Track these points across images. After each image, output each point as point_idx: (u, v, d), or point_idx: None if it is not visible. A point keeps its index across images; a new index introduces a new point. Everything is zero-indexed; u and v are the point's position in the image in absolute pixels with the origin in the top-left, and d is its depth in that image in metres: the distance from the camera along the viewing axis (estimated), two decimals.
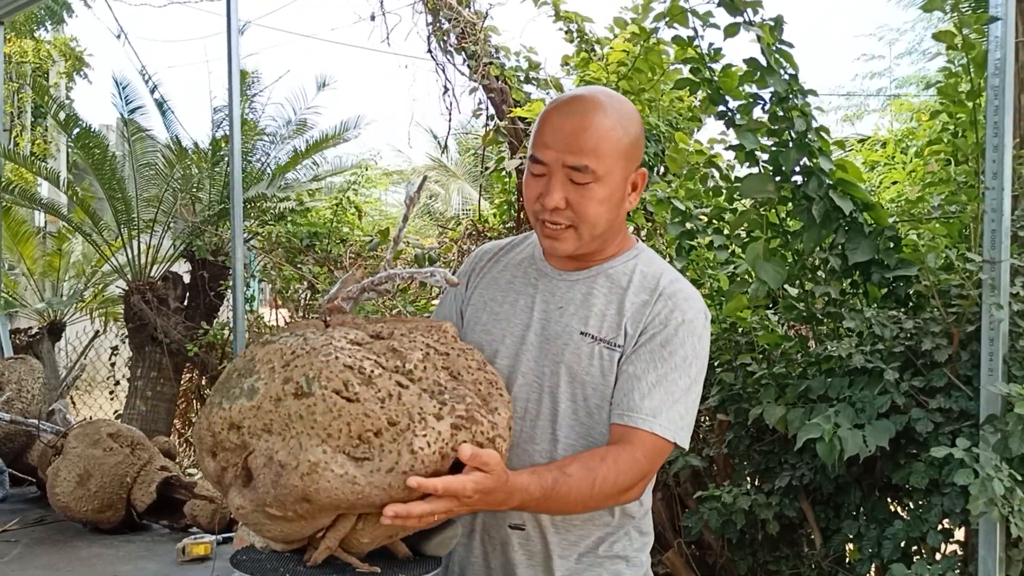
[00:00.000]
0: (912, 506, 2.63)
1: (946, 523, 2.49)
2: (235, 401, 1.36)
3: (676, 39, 2.85)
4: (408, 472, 1.26)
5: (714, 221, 3.23)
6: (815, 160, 2.65)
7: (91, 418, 4.37)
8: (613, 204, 1.56)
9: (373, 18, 5.57)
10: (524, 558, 1.61)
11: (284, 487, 1.29)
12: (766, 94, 2.72)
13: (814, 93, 2.68)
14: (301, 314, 5.75)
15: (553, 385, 1.58)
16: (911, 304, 2.71)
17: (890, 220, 2.73)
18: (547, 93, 5.04)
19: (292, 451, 1.30)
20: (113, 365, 7.27)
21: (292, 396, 1.31)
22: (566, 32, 4.50)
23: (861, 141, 6.14)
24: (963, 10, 2.53)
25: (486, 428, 1.33)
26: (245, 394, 1.36)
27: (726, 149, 3.15)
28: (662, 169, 4.14)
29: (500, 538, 1.62)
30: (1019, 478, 2.24)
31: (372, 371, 1.32)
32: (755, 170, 2.80)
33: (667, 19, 2.81)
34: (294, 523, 1.34)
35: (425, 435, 1.28)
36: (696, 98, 4.01)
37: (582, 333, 1.58)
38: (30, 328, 6.89)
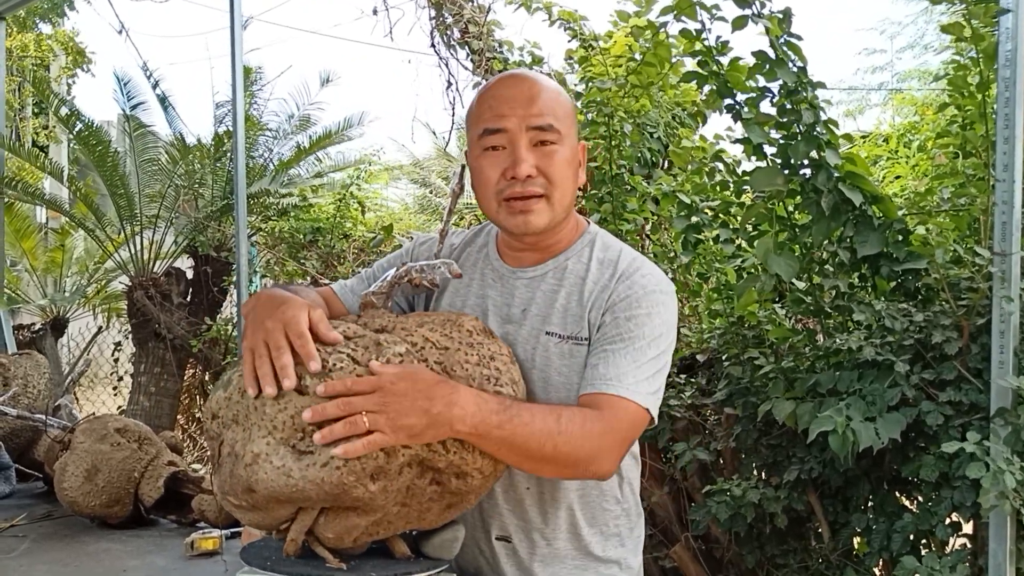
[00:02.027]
0: (921, 499, 2.62)
1: (954, 516, 2.49)
2: (216, 392, 1.40)
3: (684, 32, 2.83)
4: (342, 468, 1.25)
5: (720, 215, 3.22)
6: (823, 153, 2.64)
7: (95, 414, 4.36)
8: (573, 170, 1.53)
9: (376, 13, 5.57)
10: (513, 569, 1.59)
11: (235, 476, 1.31)
12: (774, 87, 2.71)
13: (823, 86, 2.67)
14: None
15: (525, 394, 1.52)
16: (920, 297, 2.70)
17: (899, 213, 2.73)
18: None
19: (243, 442, 1.32)
20: (116, 361, 7.27)
21: None
22: (567, 30, 4.49)
23: (864, 137, 6.13)
24: (972, 1, 2.51)
25: None
26: (223, 385, 1.39)
27: (733, 143, 3.15)
28: (666, 164, 4.14)
29: (490, 551, 1.60)
30: None
31: (334, 365, 1.31)
32: (762, 164, 2.80)
33: (675, 12, 2.80)
34: (252, 512, 1.36)
35: None
36: (701, 93, 4.00)
37: (547, 333, 1.53)
38: (33, 324, 6.88)
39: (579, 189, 1.62)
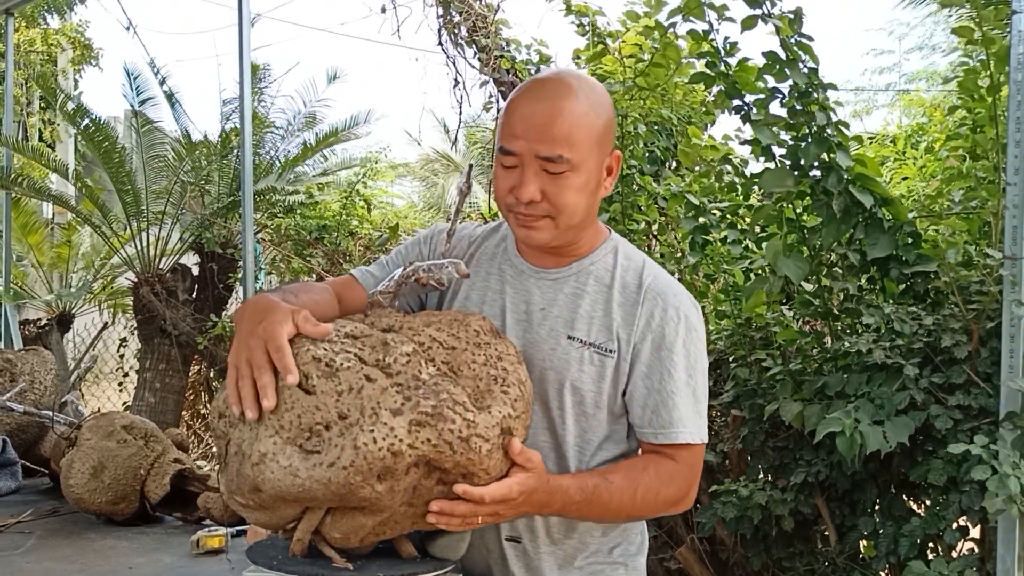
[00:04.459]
0: (929, 503, 2.62)
1: (962, 520, 2.48)
2: (223, 391, 1.39)
3: (692, 33, 2.83)
4: (349, 467, 1.24)
5: (728, 216, 3.21)
6: (834, 155, 2.63)
7: (100, 410, 4.36)
8: (589, 192, 1.49)
9: (384, 11, 5.57)
10: (522, 570, 1.58)
11: (241, 476, 1.31)
12: (784, 88, 2.70)
13: (833, 87, 2.66)
14: None
15: (541, 393, 1.52)
16: (929, 300, 2.69)
17: (909, 216, 2.72)
18: None
19: (250, 441, 1.31)
20: (122, 357, 7.29)
21: None
22: (578, 26, 4.48)
23: (871, 138, 6.12)
24: (980, 4, 2.50)
25: (458, 426, 1.29)
26: None
27: (741, 144, 3.14)
28: (674, 163, 4.13)
29: (498, 551, 1.59)
30: None
31: (342, 364, 1.30)
32: (771, 165, 2.79)
33: (683, 13, 2.79)
34: (259, 512, 1.35)
35: (373, 431, 1.25)
36: (710, 93, 3.99)
37: (569, 337, 1.52)
38: (39, 319, 6.89)
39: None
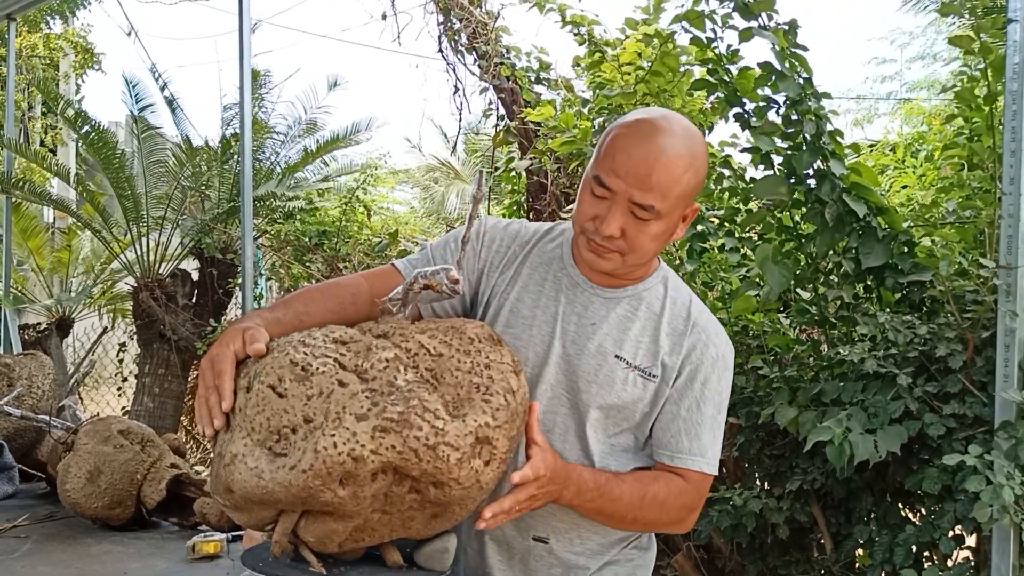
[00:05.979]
0: (924, 512, 2.62)
1: (958, 529, 2.48)
2: None
3: (694, 40, 2.84)
4: (308, 471, 1.24)
5: (726, 224, 3.22)
6: (828, 163, 2.64)
7: (99, 415, 4.37)
8: (664, 239, 1.53)
9: (384, 17, 5.59)
10: (544, 569, 1.60)
11: (218, 477, 1.33)
12: (780, 97, 2.71)
13: (828, 96, 2.67)
14: None
15: (579, 401, 1.56)
16: (925, 309, 2.69)
17: (904, 224, 2.72)
18: (557, 94, 5.04)
19: (226, 442, 1.33)
20: (121, 362, 7.30)
21: (244, 390, 1.34)
22: (576, 35, 4.49)
23: (871, 146, 6.12)
24: (979, 15, 2.51)
25: (425, 433, 1.27)
26: None
27: (740, 151, 3.14)
28: None
29: (521, 550, 1.61)
30: None
31: (317, 368, 1.31)
32: (769, 172, 2.79)
33: (683, 19, 2.80)
34: (236, 512, 1.36)
35: (334, 435, 1.24)
36: (707, 100, 4.00)
37: (617, 356, 1.56)
38: (39, 324, 6.89)
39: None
